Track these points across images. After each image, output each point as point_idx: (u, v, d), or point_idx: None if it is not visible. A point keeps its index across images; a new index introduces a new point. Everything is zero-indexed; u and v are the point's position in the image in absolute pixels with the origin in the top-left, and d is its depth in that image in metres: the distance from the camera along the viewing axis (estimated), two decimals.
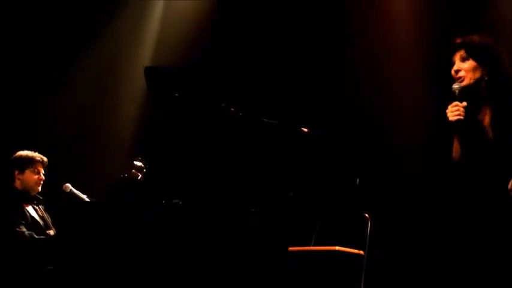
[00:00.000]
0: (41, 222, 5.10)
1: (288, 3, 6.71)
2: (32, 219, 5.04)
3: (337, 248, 4.95)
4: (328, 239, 5.21)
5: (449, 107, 3.59)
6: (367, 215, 5.25)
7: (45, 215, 5.23)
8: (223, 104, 4.46)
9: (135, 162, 4.50)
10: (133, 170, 4.48)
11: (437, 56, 5.79)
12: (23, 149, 5.35)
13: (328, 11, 6.65)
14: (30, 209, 5.13)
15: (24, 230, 4.90)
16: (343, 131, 6.21)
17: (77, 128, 6.76)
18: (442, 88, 5.62)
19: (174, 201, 4.31)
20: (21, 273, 4.66)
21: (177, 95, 4.42)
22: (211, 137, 4.51)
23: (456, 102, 3.57)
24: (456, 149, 3.70)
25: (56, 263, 4.45)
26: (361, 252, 5.09)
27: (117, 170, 4.92)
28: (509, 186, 3.44)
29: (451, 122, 3.58)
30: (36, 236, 4.89)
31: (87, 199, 5.03)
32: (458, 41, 3.66)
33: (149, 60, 6.80)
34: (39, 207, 5.23)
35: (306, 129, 4.55)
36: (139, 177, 4.46)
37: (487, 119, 3.63)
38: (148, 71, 4.60)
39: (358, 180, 5.17)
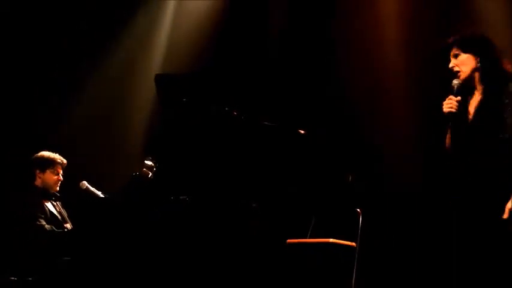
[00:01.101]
0: (59, 217, 5.24)
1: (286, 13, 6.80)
2: (51, 214, 5.19)
3: (331, 240, 5.06)
4: (323, 231, 5.29)
5: (446, 100, 3.78)
6: (358, 209, 5.33)
7: (63, 211, 5.37)
8: (226, 108, 4.58)
9: (146, 162, 4.61)
10: (144, 169, 4.59)
11: (426, 56, 5.98)
12: (45, 150, 5.44)
13: (320, 15, 6.71)
14: (49, 204, 5.27)
15: (44, 223, 5.05)
16: (336, 132, 6.19)
17: (94, 131, 6.82)
18: (431, 87, 5.87)
19: (181, 197, 4.43)
20: (41, 263, 4.75)
21: (184, 100, 4.54)
22: (215, 139, 4.62)
23: (451, 96, 3.77)
24: (448, 139, 3.85)
25: (72, 254, 4.56)
26: (353, 244, 5.16)
27: (129, 169, 4.96)
28: None
29: (444, 113, 3.77)
30: (56, 230, 5.05)
31: (101, 195, 5.11)
32: (450, 40, 3.86)
33: (159, 68, 6.89)
34: (57, 203, 5.37)
35: (302, 131, 4.66)
36: (149, 176, 4.57)
37: (475, 104, 3.79)
38: (158, 78, 4.77)
39: (350, 177, 5.19)
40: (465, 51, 3.81)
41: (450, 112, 3.76)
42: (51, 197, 5.36)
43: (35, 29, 6.83)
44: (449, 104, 3.76)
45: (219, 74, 6.59)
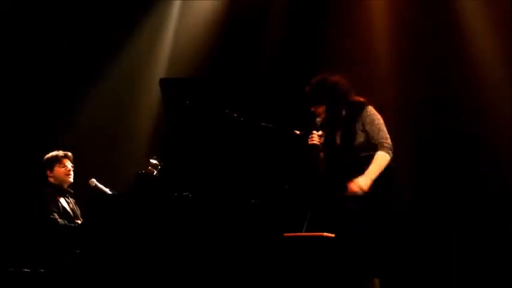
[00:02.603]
0: (71, 213, 5.40)
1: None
2: (64, 210, 5.35)
3: (325, 234, 4.76)
4: (317, 226, 4.98)
5: (310, 135, 4.46)
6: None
7: (75, 208, 5.53)
8: (227, 110, 4.70)
9: (152, 161, 4.76)
10: (150, 167, 4.73)
11: (413, 64, 6.22)
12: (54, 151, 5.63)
13: (316, 15, 6.81)
14: (62, 201, 5.43)
15: (57, 217, 5.21)
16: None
17: (103, 131, 6.98)
18: (422, 86, 6.02)
19: (185, 194, 4.54)
20: (53, 255, 4.98)
21: (188, 102, 4.66)
22: (217, 139, 4.73)
23: (314, 131, 4.48)
24: (320, 164, 4.54)
25: (82, 247, 4.72)
26: None
27: (136, 167, 5.05)
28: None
29: (310, 145, 4.46)
30: (68, 224, 5.22)
31: (109, 192, 5.26)
32: (307, 90, 4.53)
33: (164, 72, 7.01)
34: (70, 200, 5.53)
35: (298, 132, 4.75)
36: (154, 173, 4.70)
37: (339, 135, 4.48)
38: (163, 81, 4.93)
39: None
40: (313, 103, 4.52)
41: (314, 144, 4.46)
42: (65, 194, 5.52)
43: (42, 31, 6.94)
44: (312, 138, 4.47)
45: (220, 78, 6.68)
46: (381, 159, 4.38)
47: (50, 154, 5.59)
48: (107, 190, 5.32)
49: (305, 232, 5.04)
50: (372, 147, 4.42)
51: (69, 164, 5.56)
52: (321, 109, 4.51)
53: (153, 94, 6.80)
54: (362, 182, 4.35)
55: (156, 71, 7.07)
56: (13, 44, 6.87)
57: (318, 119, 4.49)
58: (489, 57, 6.22)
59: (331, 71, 4.57)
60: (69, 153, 5.61)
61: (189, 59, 6.94)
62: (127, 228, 4.52)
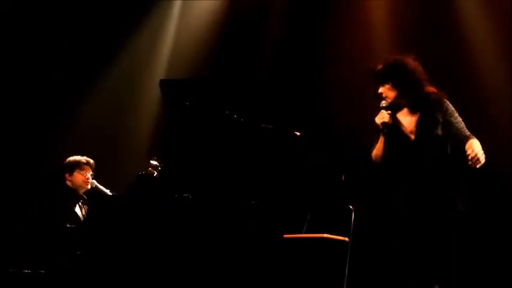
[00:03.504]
0: (81, 218, 5.39)
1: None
2: (75, 214, 5.36)
3: (325, 235, 5.14)
4: (318, 227, 5.35)
5: (378, 114, 4.09)
6: (351, 206, 5.42)
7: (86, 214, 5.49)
8: (227, 111, 4.71)
9: (152, 162, 4.73)
10: (150, 168, 4.70)
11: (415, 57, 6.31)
12: (64, 151, 5.66)
13: (315, 15, 6.81)
14: (76, 206, 5.43)
15: (60, 219, 5.15)
16: (329, 134, 6.29)
17: (103, 132, 6.96)
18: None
19: (185, 195, 4.54)
20: (54, 256, 4.91)
21: (187, 103, 4.66)
22: (217, 140, 4.73)
23: (382, 110, 4.09)
24: (378, 150, 4.15)
25: (83, 248, 4.68)
26: (346, 239, 5.24)
27: (136, 168, 5.01)
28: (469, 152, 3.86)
29: (378, 124, 4.08)
30: (68, 225, 5.12)
31: (110, 193, 5.31)
32: (379, 67, 4.15)
33: (164, 72, 7.04)
34: (83, 206, 5.51)
35: (298, 133, 4.78)
36: (155, 174, 4.68)
37: (411, 126, 4.08)
38: (163, 82, 4.93)
39: (343, 176, 5.35)
40: (383, 83, 4.11)
41: (383, 122, 4.05)
42: (79, 199, 5.51)
43: (42, 31, 6.93)
44: (381, 116, 4.06)
45: (220, 78, 6.70)
46: (478, 142, 3.99)
47: (73, 158, 5.57)
48: (107, 191, 5.35)
49: (305, 233, 5.30)
50: (443, 143, 4.05)
51: (89, 172, 5.53)
52: (390, 92, 4.11)
53: (153, 95, 6.81)
54: (476, 145, 3.96)
55: (156, 72, 7.10)
56: (13, 44, 6.85)
57: (383, 102, 4.12)
58: (489, 57, 6.20)
59: (406, 54, 4.24)
60: (91, 161, 5.58)
61: (189, 60, 6.95)
62: (127, 229, 4.52)
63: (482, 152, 3.92)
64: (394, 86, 4.11)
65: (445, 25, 6.33)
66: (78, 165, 5.52)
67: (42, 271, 4.97)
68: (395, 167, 4.07)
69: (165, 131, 5.42)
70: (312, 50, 6.79)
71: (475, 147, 3.90)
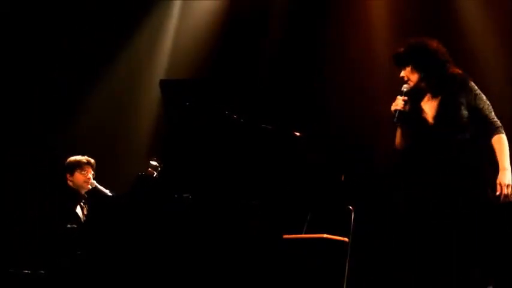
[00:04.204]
0: (82, 218, 5.39)
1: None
2: (75, 214, 5.36)
3: (325, 235, 5.13)
4: (318, 227, 5.34)
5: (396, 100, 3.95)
6: (350, 207, 5.42)
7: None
8: (227, 112, 4.71)
9: (151, 162, 4.73)
10: (150, 169, 4.71)
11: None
12: (64, 151, 5.68)
13: (314, 15, 6.81)
14: (77, 206, 5.43)
15: (66, 221, 5.17)
16: (329, 134, 6.31)
17: (103, 133, 6.99)
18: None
19: (184, 195, 4.54)
20: (54, 256, 4.95)
21: (187, 104, 4.65)
22: (216, 140, 4.73)
23: (398, 96, 3.94)
24: (398, 138, 4.01)
25: (83, 248, 4.70)
26: (346, 239, 5.24)
27: (136, 169, 5.04)
28: None
29: (392, 112, 3.94)
30: (69, 225, 5.15)
31: (109, 193, 5.31)
32: (400, 49, 3.98)
33: (164, 72, 7.04)
34: (85, 206, 5.50)
35: (297, 133, 4.77)
36: (154, 175, 4.68)
37: (432, 111, 3.91)
38: (163, 83, 4.94)
39: (343, 177, 5.28)
40: (405, 65, 3.97)
41: (396, 110, 3.92)
42: (80, 199, 5.52)
43: (42, 31, 6.94)
44: (396, 103, 3.93)
45: (220, 79, 6.71)
46: (506, 144, 3.84)
47: (74, 158, 5.59)
48: (107, 192, 5.36)
49: (305, 233, 5.29)
50: (466, 127, 3.87)
51: (90, 172, 5.55)
52: (412, 75, 3.96)
53: (153, 95, 6.82)
54: (507, 179, 3.77)
55: (156, 72, 7.10)
56: (13, 44, 6.87)
57: (405, 86, 3.98)
58: (489, 57, 6.19)
59: (429, 37, 4.08)
60: (92, 160, 5.60)
61: (189, 60, 6.97)
62: (127, 229, 4.53)
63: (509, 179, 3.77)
64: (415, 68, 3.95)
65: (445, 25, 6.31)
66: (78, 165, 5.54)
67: (42, 271, 4.99)
68: (415, 154, 3.93)
69: (165, 131, 5.45)
70: (312, 50, 6.81)
71: (503, 181, 3.76)
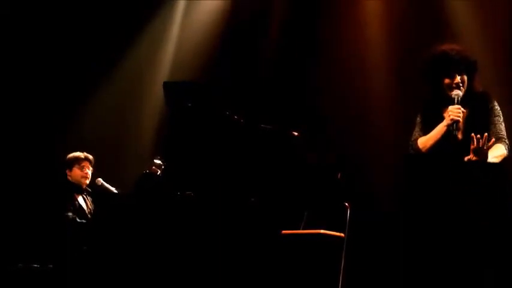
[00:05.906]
0: (86, 211, 5.52)
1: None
2: (79, 207, 5.49)
3: (321, 231, 5.16)
4: (315, 223, 5.34)
5: (453, 108, 3.81)
6: (346, 203, 5.44)
7: (91, 206, 5.65)
8: (227, 112, 4.77)
9: (155, 161, 4.83)
10: (154, 167, 4.81)
11: (412, 64, 6.36)
12: (70, 151, 5.77)
13: (312, 15, 6.85)
14: (80, 199, 5.60)
15: (70, 214, 5.32)
16: (326, 133, 6.40)
17: (109, 132, 7.08)
18: (416, 86, 6.04)
19: (187, 193, 4.61)
20: (62, 251, 5.05)
21: (190, 105, 4.72)
22: (218, 140, 4.80)
23: (459, 106, 3.82)
24: (431, 139, 3.89)
25: (90, 243, 4.82)
26: (342, 234, 5.26)
27: (140, 167, 5.11)
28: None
29: (450, 119, 3.79)
30: (78, 220, 5.34)
31: (115, 191, 5.45)
32: (455, 54, 3.88)
33: (167, 74, 7.12)
34: (88, 198, 5.67)
35: (295, 133, 4.84)
36: (158, 173, 4.78)
37: (461, 121, 3.85)
38: (166, 84, 4.95)
39: (339, 174, 5.32)
40: (463, 72, 3.91)
41: (456, 120, 3.80)
42: (83, 192, 5.65)
43: (43, 31, 6.96)
44: (458, 113, 3.81)
45: (221, 80, 6.74)
46: (503, 156, 3.82)
47: (72, 154, 5.69)
48: (113, 189, 5.49)
49: (303, 229, 5.31)
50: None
51: (87, 167, 5.65)
52: (464, 84, 3.90)
53: (156, 96, 6.84)
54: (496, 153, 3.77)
55: (159, 73, 7.14)
56: (14, 44, 6.88)
57: (456, 92, 3.88)
58: (487, 57, 6.14)
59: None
60: (90, 156, 5.69)
61: (192, 61, 7.01)
62: (132, 225, 4.58)
63: (496, 158, 3.77)
64: (469, 79, 3.92)
65: (444, 26, 6.34)
66: (76, 160, 5.65)
67: (50, 266, 5.13)
68: (440, 162, 3.83)
69: (168, 131, 5.59)
70: (311, 50, 6.83)
71: (492, 148, 3.73)
